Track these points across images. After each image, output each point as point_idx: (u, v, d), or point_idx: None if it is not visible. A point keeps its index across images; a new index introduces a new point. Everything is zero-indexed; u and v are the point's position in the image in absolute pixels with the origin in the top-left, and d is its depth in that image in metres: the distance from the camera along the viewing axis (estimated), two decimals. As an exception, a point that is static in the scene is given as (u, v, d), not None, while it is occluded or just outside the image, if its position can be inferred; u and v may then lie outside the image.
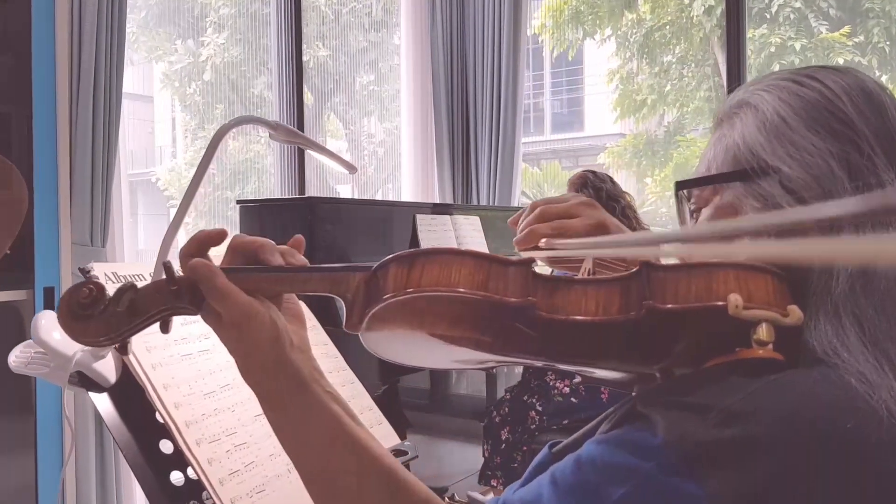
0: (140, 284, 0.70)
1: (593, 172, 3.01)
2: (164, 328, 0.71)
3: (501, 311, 0.61)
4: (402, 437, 1.34)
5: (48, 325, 0.96)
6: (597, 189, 2.88)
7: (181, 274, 0.69)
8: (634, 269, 0.61)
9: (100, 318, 0.68)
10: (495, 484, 2.69)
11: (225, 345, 0.70)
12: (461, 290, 0.61)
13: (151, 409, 1.00)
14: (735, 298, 0.56)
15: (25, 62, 2.35)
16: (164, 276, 0.69)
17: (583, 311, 0.60)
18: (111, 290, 0.69)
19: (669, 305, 0.58)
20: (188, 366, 1.06)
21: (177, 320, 0.75)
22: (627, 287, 0.60)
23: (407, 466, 1.31)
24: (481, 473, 2.73)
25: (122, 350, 0.71)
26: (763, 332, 0.56)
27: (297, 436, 0.68)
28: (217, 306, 0.67)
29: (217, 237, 0.70)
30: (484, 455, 2.74)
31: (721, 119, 0.72)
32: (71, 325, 0.68)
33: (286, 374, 0.68)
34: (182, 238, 4.45)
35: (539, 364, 0.78)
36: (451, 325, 0.64)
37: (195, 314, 0.70)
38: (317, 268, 0.70)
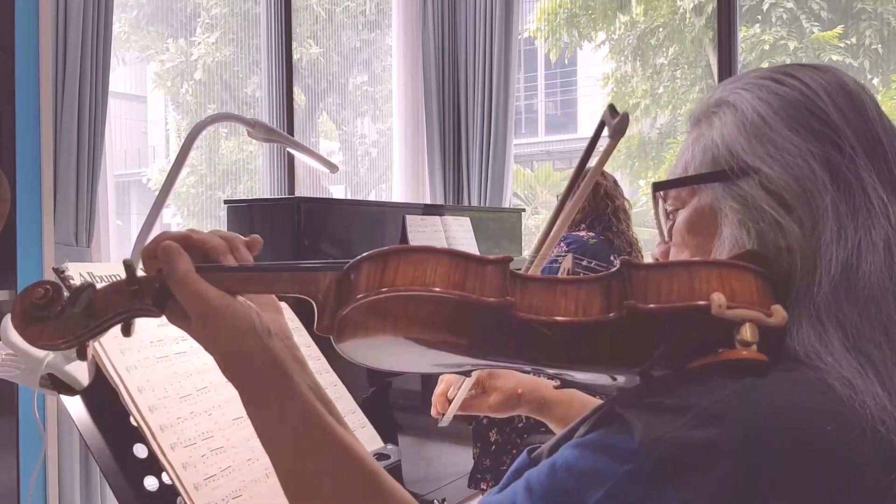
0: (99, 284, 0.67)
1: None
2: (126, 331, 0.68)
3: (478, 312, 0.59)
4: (394, 440, 1.31)
5: (18, 326, 0.94)
6: (596, 184, 2.92)
7: (144, 273, 0.66)
8: (615, 269, 0.59)
9: (56, 320, 0.65)
10: (485, 487, 2.67)
11: (201, 345, 0.67)
12: (437, 289, 0.59)
13: (125, 413, 0.98)
14: (718, 297, 0.55)
15: (9, 59, 2.32)
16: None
17: (562, 311, 0.58)
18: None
19: (651, 305, 0.56)
20: (164, 368, 1.04)
21: (153, 321, 0.72)
22: (608, 287, 0.58)
23: (391, 471, 1.29)
24: (471, 477, 2.70)
25: (81, 354, 0.68)
26: (747, 332, 0.54)
27: (277, 432, 0.65)
28: (179, 296, 0.64)
29: (180, 239, 0.67)
30: (474, 458, 2.71)
31: (698, 118, 0.70)
32: (25, 327, 0.65)
33: (266, 364, 0.65)
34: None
35: (521, 367, 0.76)
36: (426, 326, 0.61)
37: (159, 315, 0.66)
38: (286, 266, 0.67)
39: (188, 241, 0.68)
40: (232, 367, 0.66)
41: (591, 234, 2.93)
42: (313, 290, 0.64)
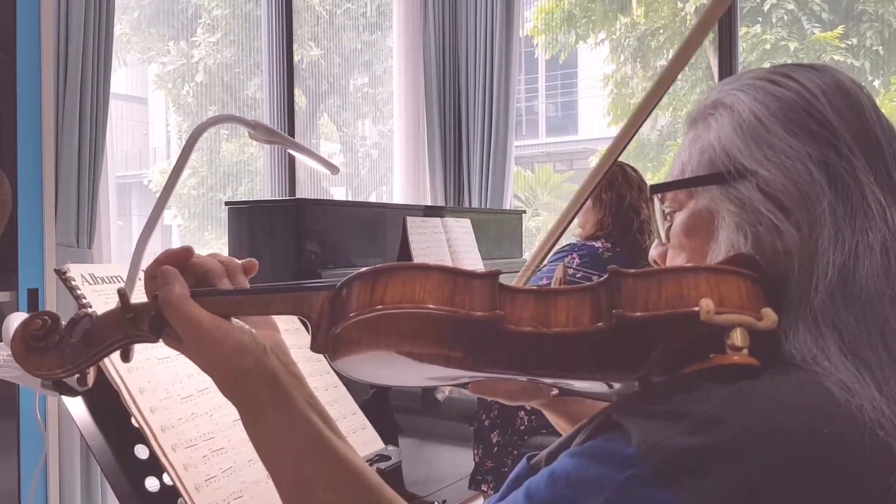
0: (96, 313, 0.68)
1: (625, 173, 2.64)
2: (125, 357, 0.70)
3: (468, 326, 0.60)
4: (394, 441, 1.32)
5: (19, 327, 0.94)
6: (620, 195, 2.61)
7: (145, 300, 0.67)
8: (604, 278, 0.59)
9: (55, 350, 0.67)
10: (485, 489, 2.67)
11: (199, 367, 0.68)
12: (426, 305, 0.60)
13: (127, 414, 0.98)
14: (706, 304, 0.55)
15: (10, 60, 2.33)
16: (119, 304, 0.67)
17: (552, 322, 0.59)
18: (90, 296, 0.68)
19: (639, 314, 0.56)
20: (165, 369, 1.04)
21: None
22: (597, 296, 0.59)
23: (392, 472, 1.29)
24: (471, 478, 2.70)
25: (82, 381, 0.69)
26: (737, 336, 0.54)
27: (276, 447, 0.66)
28: (171, 320, 0.65)
29: (181, 255, 0.68)
30: (475, 459, 2.71)
31: (695, 120, 0.70)
32: (26, 358, 0.66)
33: (262, 380, 0.66)
34: (168, 239, 4.42)
35: (517, 378, 0.76)
36: (418, 342, 0.62)
37: (155, 342, 0.68)
38: (279, 287, 0.68)
39: (185, 257, 0.69)
40: (230, 386, 0.67)
41: (608, 245, 2.61)
42: (307, 310, 0.66)
